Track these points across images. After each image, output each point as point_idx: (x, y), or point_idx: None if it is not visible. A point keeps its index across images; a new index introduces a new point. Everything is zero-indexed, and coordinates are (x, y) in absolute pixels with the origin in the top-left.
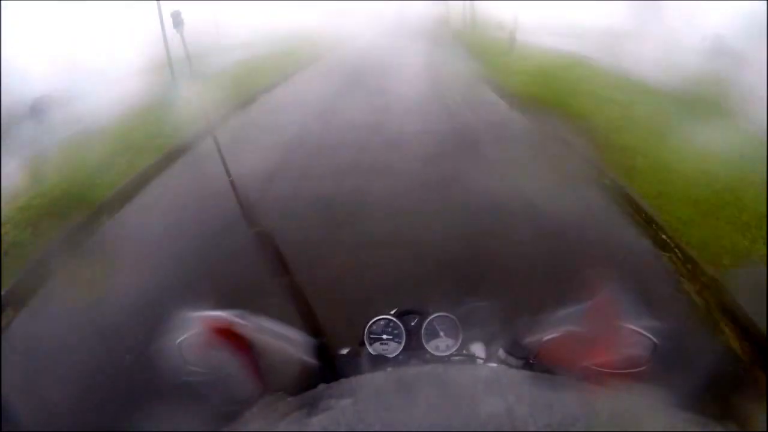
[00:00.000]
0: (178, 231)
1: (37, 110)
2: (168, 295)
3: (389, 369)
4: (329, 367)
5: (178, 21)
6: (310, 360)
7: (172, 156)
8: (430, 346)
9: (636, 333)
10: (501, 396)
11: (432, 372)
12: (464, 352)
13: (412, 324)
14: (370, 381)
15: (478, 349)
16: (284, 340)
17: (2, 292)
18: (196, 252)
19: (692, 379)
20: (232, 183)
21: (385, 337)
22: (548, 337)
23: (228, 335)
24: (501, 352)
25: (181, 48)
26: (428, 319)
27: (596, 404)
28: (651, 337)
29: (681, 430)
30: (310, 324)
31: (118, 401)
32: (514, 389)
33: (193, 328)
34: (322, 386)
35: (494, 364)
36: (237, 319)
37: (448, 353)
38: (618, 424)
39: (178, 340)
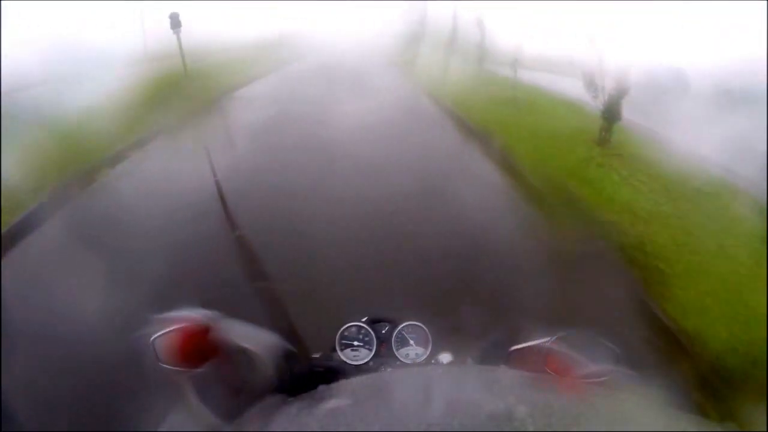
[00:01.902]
0: (153, 227)
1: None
2: (140, 291)
3: (389, 369)
4: (301, 372)
5: (176, 23)
6: (282, 365)
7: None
8: (401, 354)
9: (599, 342)
10: (501, 396)
11: (432, 373)
12: (433, 360)
13: (383, 332)
14: (370, 382)
15: (446, 358)
16: (258, 343)
17: None
18: (173, 250)
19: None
20: (217, 184)
21: (356, 343)
22: (516, 347)
23: (203, 336)
24: (469, 362)
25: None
26: (399, 328)
27: (596, 405)
28: (613, 346)
29: (681, 430)
30: (285, 330)
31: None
32: (513, 390)
33: (168, 326)
34: (322, 387)
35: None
36: (213, 321)
37: (418, 361)
38: (618, 425)
39: (152, 337)
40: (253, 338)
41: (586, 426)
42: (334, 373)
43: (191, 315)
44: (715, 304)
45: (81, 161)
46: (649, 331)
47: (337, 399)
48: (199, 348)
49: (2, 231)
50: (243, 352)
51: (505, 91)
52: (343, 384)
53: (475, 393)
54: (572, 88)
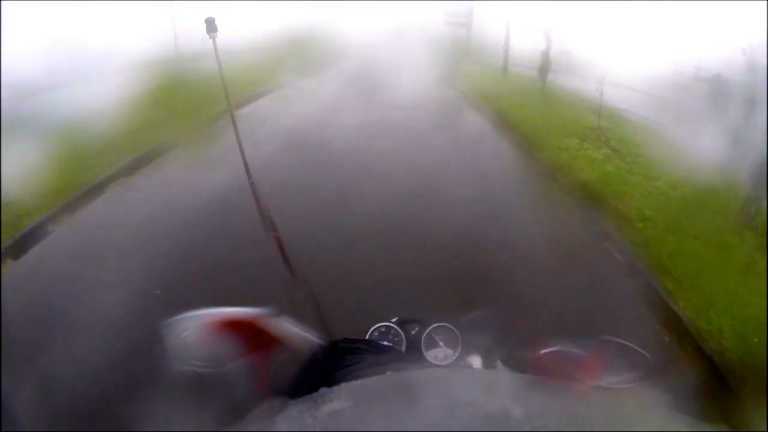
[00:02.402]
0: (188, 224)
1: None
2: (173, 288)
3: (389, 373)
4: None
5: (212, 27)
6: (321, 362)
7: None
8: (430, 355)
9: (630, 349)
10: (498, 399)
11: (430, 376)
12: (462, 362)
13: (413, 333)
14: (370, 384)
15: (475, 360)
16: (301, 339)
17: None
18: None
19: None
20: (251, 185)
21: (386, 343)
22: (545, 351)
23: (248, 331)
24: (498, 364)
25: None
26: (428, 329)
27: (591, 406)
28: (644, 353)
29: (676, 431)
30: (321, 329)
31: (117, 393)
32: (510, 392)
33: (200, 323)
34: (323, 389)
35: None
36: (261, 316)
37: (446, 362)
38: (613, 426)
39: (184, 334)
40: (297, 334)
41: (581, 427)
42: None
43: (238, 311)
44: None
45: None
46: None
47: (338, 401)
48: (241, 342)
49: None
50: (291, 346)
51: (581, 113)
52: (343, 386)
53: (473, 396)
54: (644, 106)
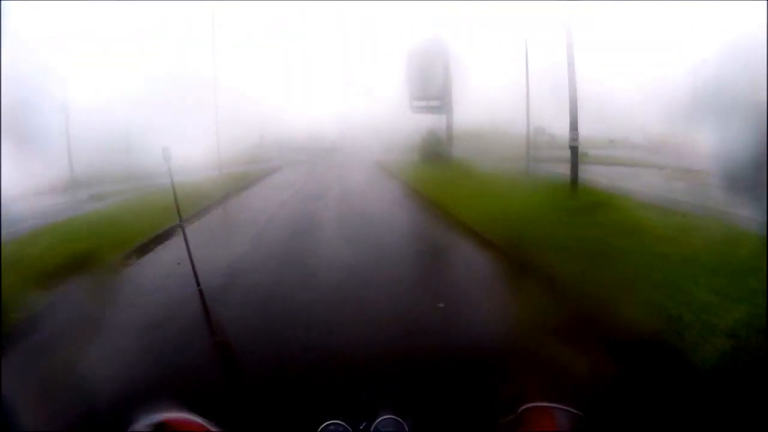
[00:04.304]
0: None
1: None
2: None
3: None
4: None
5: (167, 156)
6: None
7: None
8: None
9: (562, 410)
10: None
11: None
12: None
13: (361, 428)
14: None
15: None
16: None
17: None
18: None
19: None
20: (200, 292)
21: None
22: None
23: None
24: None
25: None
26: (375, 423)
27: None
28: (576, 411)
29: None
30: None
31: None
32: None
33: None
34: None
35: None
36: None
37: None
38: None
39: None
40: None
41: None
42: None
43: (182, 415)
44: None
45: None
46: None
47: None
48: None
49: None
50: None
51: None
52: None
53: None
54: None
